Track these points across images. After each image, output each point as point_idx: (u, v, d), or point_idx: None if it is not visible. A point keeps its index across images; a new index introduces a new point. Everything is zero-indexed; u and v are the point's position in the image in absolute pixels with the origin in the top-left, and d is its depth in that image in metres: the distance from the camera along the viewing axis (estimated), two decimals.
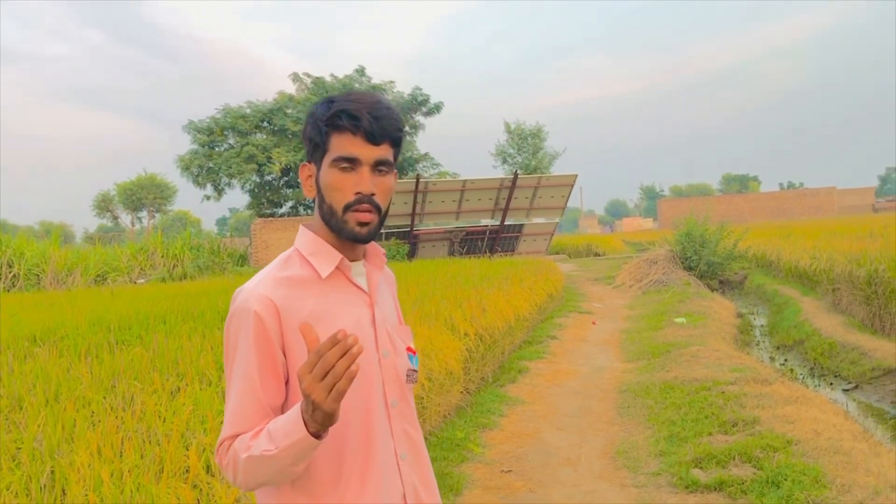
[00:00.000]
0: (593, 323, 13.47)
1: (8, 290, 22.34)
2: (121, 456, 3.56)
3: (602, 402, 7.49)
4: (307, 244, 1.67)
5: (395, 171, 1.70)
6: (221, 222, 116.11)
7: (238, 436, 1.52)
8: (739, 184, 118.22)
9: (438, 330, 7.26)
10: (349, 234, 1.62)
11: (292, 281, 1.61)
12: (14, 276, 24.09)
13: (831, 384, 8.89)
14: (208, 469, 3.65)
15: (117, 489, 3.13)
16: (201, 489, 3.39)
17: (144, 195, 75.32)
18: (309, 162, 1.67)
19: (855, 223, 26.10)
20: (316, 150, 1.64)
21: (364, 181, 1.60)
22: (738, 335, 11.97)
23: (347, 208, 1.60)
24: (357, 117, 1.60)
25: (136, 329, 7.16)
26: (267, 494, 1.61)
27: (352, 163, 1.60)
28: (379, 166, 1.63)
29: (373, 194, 1.61)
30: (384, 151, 1.64)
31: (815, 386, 8.86)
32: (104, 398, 4.48)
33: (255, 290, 1.57)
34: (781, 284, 17.08)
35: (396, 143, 1.67)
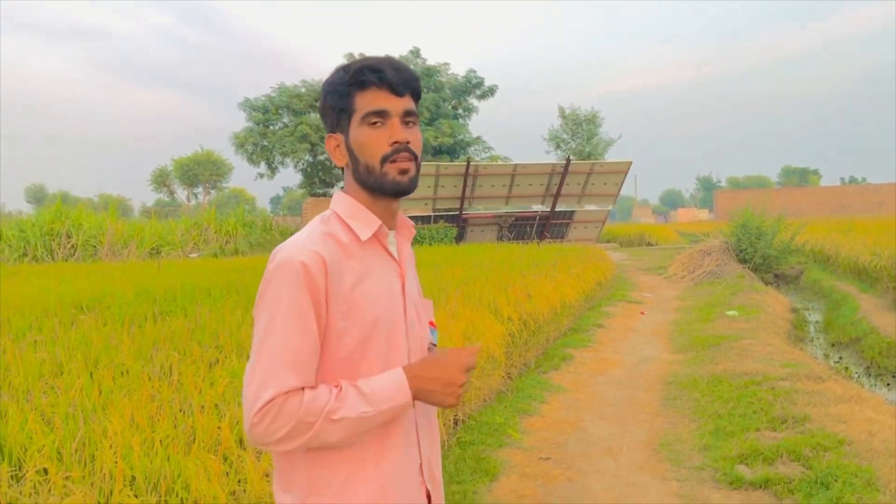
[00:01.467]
0: (642, 313, 13.23)
1: (66, 260, 22.91)
2: (154, 425, 3.55)
3: (647, 393, 7.32)
4: (346, 207, 1.66)
5: None
6: (275, 200, 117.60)
7: (289, 392, 1.47)
8: (799, 177, 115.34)
9: (481, 314, 7.16)
10: (391, 184, 1.62)
11: (337, 240, 1.60)
12: (72, 246, 24.66)
13: (888, 385, 8.56)
14: (241, 442, 3.62)
15: (147, 458, 3.11)
16: (231, 462, 3.36)
17: (200, 171, 76.62)
18: (333, 132, 1.67)
19: None
20: (341, 115, 1.63)
21: (398, 131, 1.60)
22: (791, 330, 11.63)
23: (385, 160, 1.60)
24: (380, 69, 1.60)
25: (180, 301, 7.22)
26: (307, 461, 1.58)
27: (382, 116, 1.60)
28: (407, 117, 1.63)
29: (408, 142, 1.61)
30: (409, 102, 1.65)
31: (871, 386, 8.54)
32: (143, 367, 4.50)
33: (304, 244, 1.55)
34: (839, 280, 16.58)
35: (417, 96, 1.68)
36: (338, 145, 1.66)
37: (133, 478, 3.00)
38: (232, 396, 4.11)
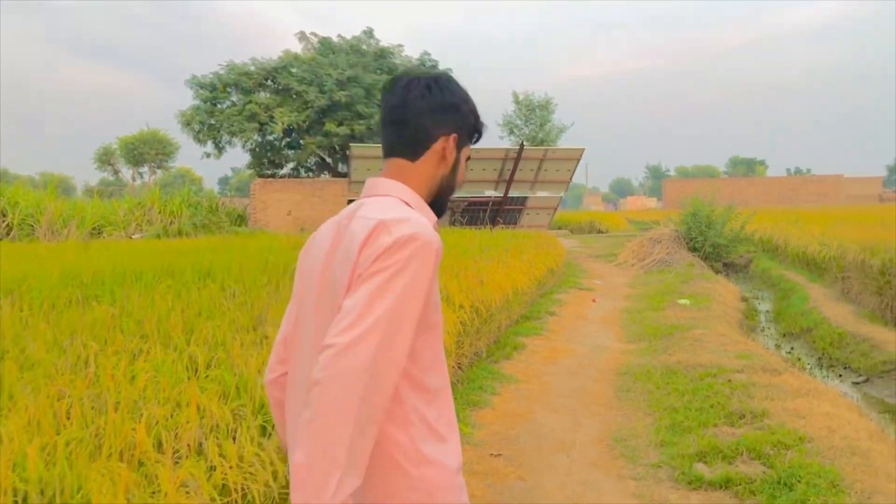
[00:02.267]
0: (593, 300, 13.07)
1: (0, 240, 21.95)
2: (60, 427, 3.15)
3: (600, 385, 7.09)
4: (413, 199, 1.69)
5: None
6: (223, 181, 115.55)
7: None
8: (746, 167, 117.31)
9: None
10: (440, 212, 1.78)
11: None
12: (7, 225, 23.68)
13: (840, 376, 8.50)
14: (159, 446, 3.25)
15: (45, 468, 2.72)
16: (147, 471, 2.99)
17: (146, 150, 74.78)
18: (454, 134, 1.74)
19: (864, 211, 25.65)
20: (463, 133, 1.77)
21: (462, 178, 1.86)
22: (742, 320, 11.58)
23: (453, 193, 1.81)
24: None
25: (109, 285, 6.74)
26: None
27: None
28: None
29: None
30: None
31: (824, 377, 8.47)
32: (56, 359, 4.07)
33: (429, 228, 1.57)
34: (788, 270, 16.66)
35: None
36: (450, 149, 1.74)
37: (25, 493, 2.61)
38: (153, 393, 3.73)
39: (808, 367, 8.89)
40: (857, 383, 8.09)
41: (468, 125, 1.77)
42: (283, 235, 16.07)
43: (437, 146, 1.71)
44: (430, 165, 1.72)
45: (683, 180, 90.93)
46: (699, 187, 38.70)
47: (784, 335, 10.98)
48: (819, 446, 4.75)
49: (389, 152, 1.74)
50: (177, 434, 3.40)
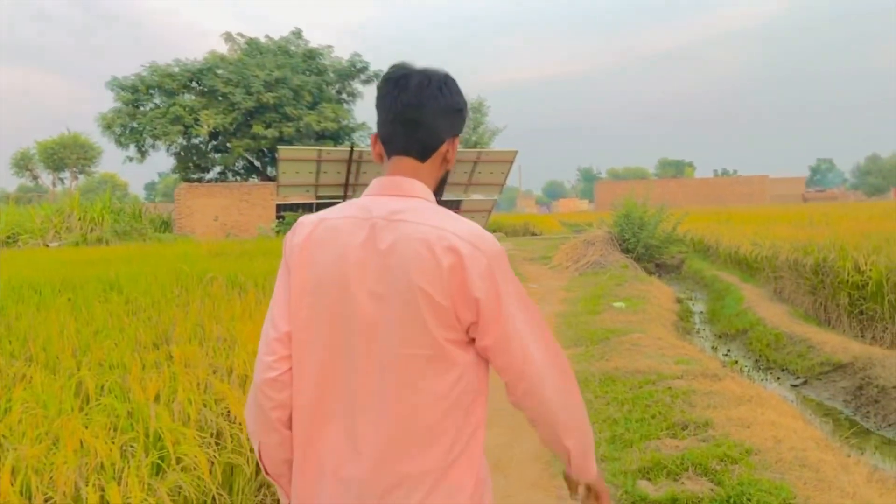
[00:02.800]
0: None
1: None
2: None
3: None
4: (433, 200, 1.71)
5: None
6: (150, 187, 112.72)
7: None
8: (675, 169, 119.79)
9: None
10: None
11: None
12: None
13: (779, 378, 8.37)
14: (28, 494, 2.76)
15: None
16: None
17: (67, 155, 72.17)
18: (455, 137, 1.76)
19: (792, 211, 26.16)
20: (456, 132, 1.75)
21: None
22: (678, 322, 11.45)
23: None
24: None
25: (2, 300, 6.13)
26: None
27: None
28: None
29: None
30: None
31: (763, 380, 8.33)
32: None
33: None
34: (720, 270, 16.73)
35: None
36: (453, 151, 1.75)
37: None
38: (30, 427, 3.23)
39: (747, 370, 8.75)
40: (796, 386, 7.96)
41: (461, 124, 1.78)
42: (206, 242, 15.37)
43: (443, 148, 1.71)
44: (435, 166, 1.72)
45: (614, 182, 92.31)
46: (630, 189, 39.11)
47: (720, 337, 10.87)
48: (767, 459, 4.50)
49: (398, 150, 1.70)
50: (51, 478, 2.91)
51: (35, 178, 74.84)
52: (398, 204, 1.61)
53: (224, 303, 5.95)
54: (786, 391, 7.86)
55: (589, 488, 1.81)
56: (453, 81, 1.73)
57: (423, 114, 1.66)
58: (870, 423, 6.60)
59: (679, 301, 14.01)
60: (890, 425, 6.38)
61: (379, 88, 1.73)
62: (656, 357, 7.55)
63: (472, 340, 1.60)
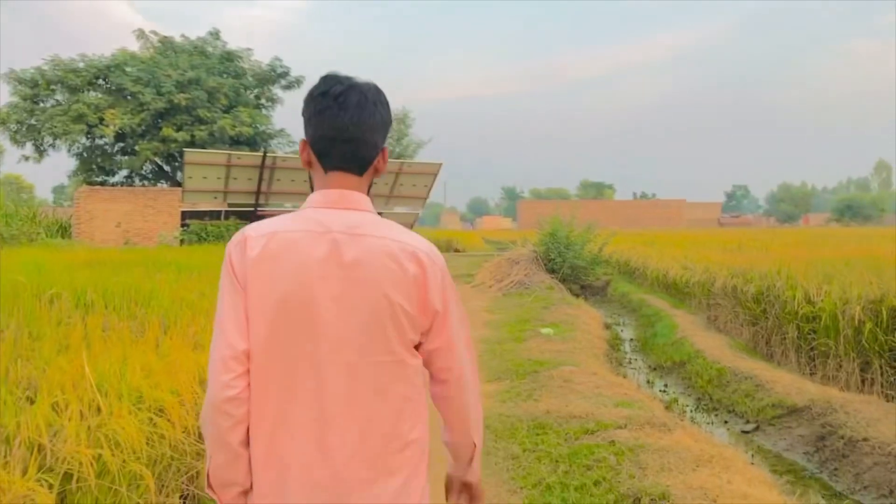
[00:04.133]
0: None
1: None
2: None
3: None
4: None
5: None
6: (59, 190, 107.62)
7: None
8: (596, 190, 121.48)
9: None
10: None
11: None
12: None
13: (726, 423, 7.42)
14: None
15: None
16: None
17: None
18: (385, 148, 1.80)
19: (718, 235, 25.87)
20: (384, 143, 1.80)
21: None
22: (609, 351, 10.48)
23: None
24: None
25: None
26: None
27: None
28: None
29: None
30: None
31: (709, 423, 7.38)
32: None
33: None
34: (647, 294, 15.99)
35: None
36: (384, 161, 1.79)
37: None
38: None
39: (689, 410, 7.79)
40: (747, 432, 7.01)
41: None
42: (84, 250, 13.73)
43: (376, 160, 1.76)
44: (369, 178, 1.77)
45: (537, 201, 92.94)
46: (552, 208, 38.73)
47: (654, 369, 9.94)
48: None
49: (337, 166, 1.72)
50: None
51: None
52: (353, 218, 1.66)
53: (51, 329, 4.62)
54: (735, 439, 6.91)
55: (470, 490, 1.91)
56: (383, 94, 1.77)
57: (362, 131, 1.70)
58: (841, 485, 5.66)
59: (607, 327, 13.11)
60: (866, 487, 5.45)
61: (314, 101, 1.72)
62: (593, 398, 6.50)
63: (420, 345, 1.72)
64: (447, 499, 1.92)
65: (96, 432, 3.18)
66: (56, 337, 4.44)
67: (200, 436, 4.04)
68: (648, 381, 9.19)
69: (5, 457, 2.82)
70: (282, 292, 1.61)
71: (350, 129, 1.68)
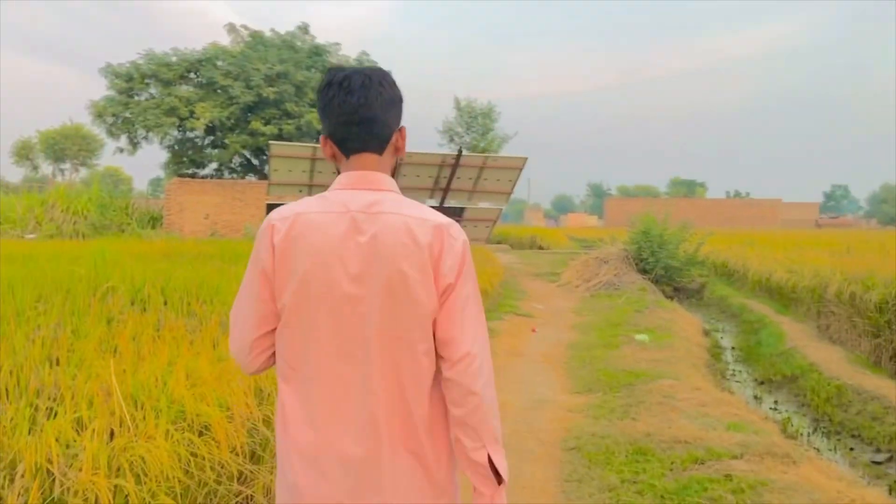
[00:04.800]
0: (533, 330, 11.03)
1: None
2: None
3: (541, 468, 4.98)
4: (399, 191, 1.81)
5: None
6: (155, 182, 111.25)
7: None
8: (686, 188, 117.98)
9: None
10: None
11: None
12: None
13: (852, 450, 6.53)
14: None
15: None
16: None
17: (68, 146, 70.81)
18: (402, 126, 1.84)
19: (822, 237, 24.31)
20: (400, 123, 1.84)
21: None
22: (710, 361, 9.62)
23: None
24: None
25: None
26: None
27: None
28: None
29: None
30: None
31: (831, 451, 6.51)
32: None
33: None
34: (748, 298, 14.90)
35: None
36: (402, 139, 1.84)
37: None
38: None
39: (806, 434, 6.92)
40: (879, 463, 6.12)
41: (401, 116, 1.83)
42: (160, 242, 13.63)
43: (394, 139, 1.80)
44: (389, 157, 1.81)
45: (624, 199, 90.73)
46: (641, 206, 37.37)
47: (761, 383, 9.04)
48: None
49: (356, 149, 1.76)
50: None
51: (35, 167, 73.41)
52: (372, 197, 1.71)
53: (98, 327, 4.20)
54: (864, 470, 6.04)
55: None
56: (389, 74, 1.81)
57: (372, 111, 1.73)
58: None
59: (706, 333, 12.18)
60: None
61: (322, 94, 1.77)
62: (699, 418, 5.76)
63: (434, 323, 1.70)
64: None
65: (120, 456, 2.67)
66: (99, 336, 4.01)
67: (252, 456, 3.53)
68: (756, 397, 8.33)
69: (3, 487, 2.34)
70: (304, 272, 1.65)
71: (360, 110, 1.72)
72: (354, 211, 1.67)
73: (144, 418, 3.01)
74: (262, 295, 1.70)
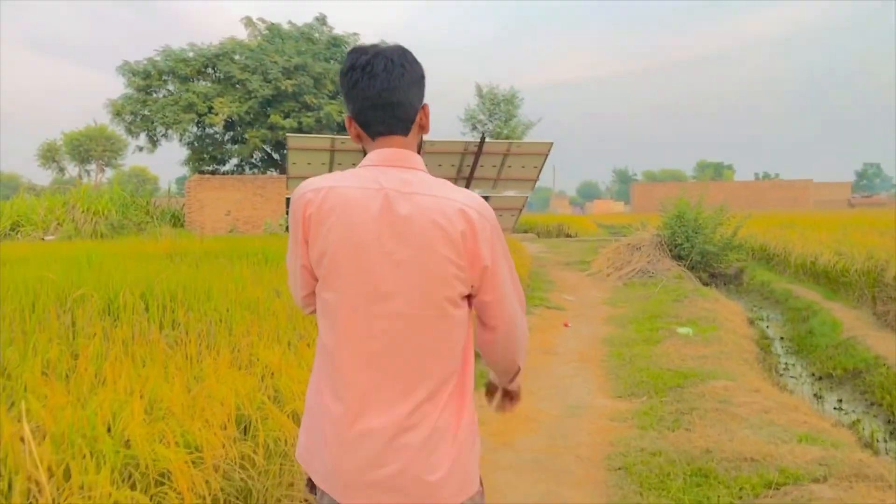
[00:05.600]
0: (566, 324, 10.28)
1: None
2: None
3: (582, 492, 4.27)
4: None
5: None
6: (181, 181, 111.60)
7: None
8: (714, 171, 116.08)
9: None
10: None
11: None
12: None
13: None
14: None
15: None
16: None
17: (93, 147, 70.97)
18: (425, 104, 1.85)
19: (867, 216, 23.23)
20: (423, 100, 1.84)
21: None
22: (761, 355, 8.82)
23: None
24: None
25: None
26: None
27: None
28: None
29: None
30: None
31: None
32: None
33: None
34: (792, 283, 14.02)
35: None
36: (426, 118, 1.85)
37: None
38: None
39: (883, 442, 6.12)
40: None
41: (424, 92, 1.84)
42: (166, 240, 13.03)
43: (418, 118, 1.81)
44: (415, 137, 1.82)
45: (651, 184, 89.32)
46: (667, 191, 36.39)
47: (820, 378, 8.23)
48: None
49: (383, 132, 1.78)
50: None
51: (61, 169, 73.70)
52: (405, 176, 1.72)
53: (54, 345, 3.52)
54: None
55: (510, 395, 2.06)
56: (409, 52, 1.80)
57: (397, 94, 1.74)
58: None
59: (751, 322, 11.35)
60: None
61: (345, 77, 1.78)
62: (763, 427, 5.00)
63: (470, 297, 1.77)
64: (487, 401, 2.07)
65: None
66: (54, 356, 3.35)
67: None
68: (816, 396, 7.52)
69: None
70: (336, 247, 1.70)
71: (383, 94, 1.73)
72: (388, 188, 1.68)
73: (85, 470, 2.34)
74: (303, 261, 1.77)
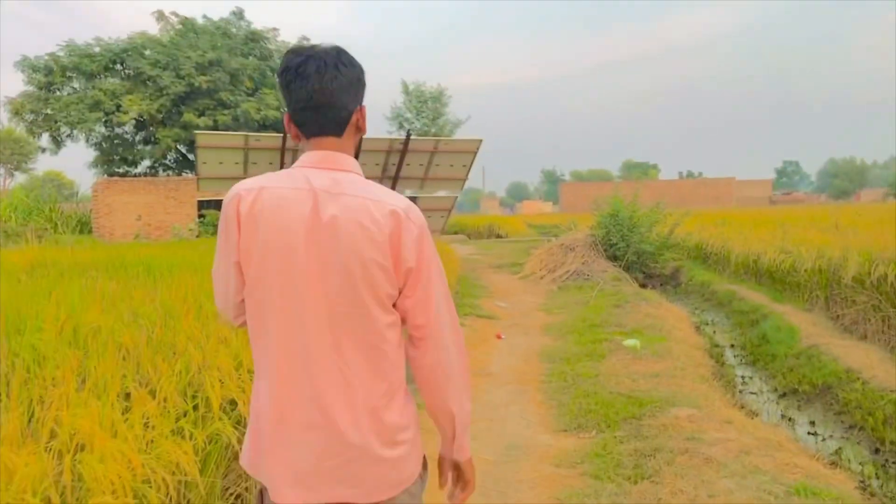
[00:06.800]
0: (498, 336, 9.25)
1: None
2: None
3: None
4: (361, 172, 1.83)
5: None
6: None
7: None
8: (640, 171, 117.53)
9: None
10: None
11: None
12: None
13: None
14: None
15: None
16: None
17: (1, 150, 67.10)
18: (362, 105, 1.83)
19: (811, 213, 22.94)
20: (361, 101, 1.83)
21: None
22: (717, 369, 7.91)
23: None
24: None
25: None
26: None
27: None
28: None
29: None
30: None
31: None
32: None
33: None
34: (735, 284, 13.30)
35: None
36: (363, 119, 1.83)
37: None
38: None
39: (875, 478, 5.19)
40: None
41: (364, 92, 1.83)
42: (32, 250, 11.50)
43: (354, 119, 1.78)
44: (350, 138, 1.79)
45: (579, 184, 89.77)
46: (595, 191, 36.00)
47: (783, 395, 7.34)
48: None
49: (315, 133, 1.77)
50: None
51: None
52: (335, 177, 1.71)
53: None
54: None
55: (458, 472, 1.87)
56: (346, 53, 1.78)
57: (329, 96, 1.72)
58: None
59: (696, 328, 10.50)
60: None
61: (280, 77, 1.77)
62: (746, 476, 3.99)
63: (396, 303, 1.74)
64: (439, 481, 1.90)
65: None
66: None
67: None
68: (787, 418, 6.61)
69: None
70: (266, 246, 1.67)
71: (315, 96, 1.72)
72: (318, 189, 1.68)
73: None
74: (236, 258, 1.72)
